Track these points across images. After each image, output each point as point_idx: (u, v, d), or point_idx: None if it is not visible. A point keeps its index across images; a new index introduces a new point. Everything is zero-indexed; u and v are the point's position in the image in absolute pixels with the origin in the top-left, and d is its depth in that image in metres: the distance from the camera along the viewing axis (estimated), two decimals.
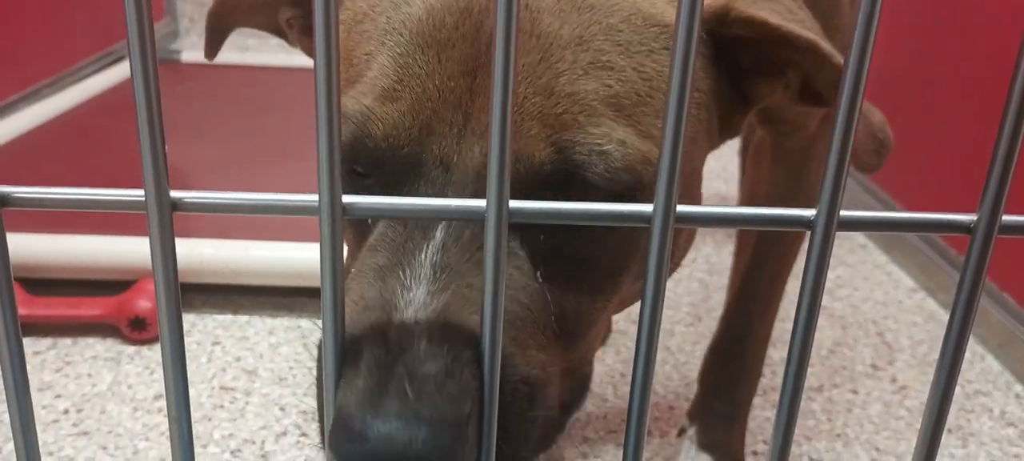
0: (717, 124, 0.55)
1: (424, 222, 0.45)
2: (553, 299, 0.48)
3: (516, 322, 0.46)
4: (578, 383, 0.52)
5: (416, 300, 0.43)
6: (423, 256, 0.44)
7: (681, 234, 0.54)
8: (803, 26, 0.51)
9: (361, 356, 0.39)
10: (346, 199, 0.31)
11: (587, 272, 0.50)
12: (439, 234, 0.45)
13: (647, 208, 0.32)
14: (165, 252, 0.31)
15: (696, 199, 0.56)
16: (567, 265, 0.49)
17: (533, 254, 0.47)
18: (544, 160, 0.46)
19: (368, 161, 0.48)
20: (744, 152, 1.40)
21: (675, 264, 0.56)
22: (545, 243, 0.48)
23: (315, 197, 0.31)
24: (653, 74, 0.49)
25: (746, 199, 0.92)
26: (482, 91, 0.46)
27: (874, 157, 0.53)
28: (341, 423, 0.37)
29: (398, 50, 0.48)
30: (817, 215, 0.32)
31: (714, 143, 0.57)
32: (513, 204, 0.31)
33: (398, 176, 0.47)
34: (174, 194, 0.31)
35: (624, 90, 0.47)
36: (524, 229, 0.47)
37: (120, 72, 2.00)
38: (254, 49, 2.62)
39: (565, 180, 0.46)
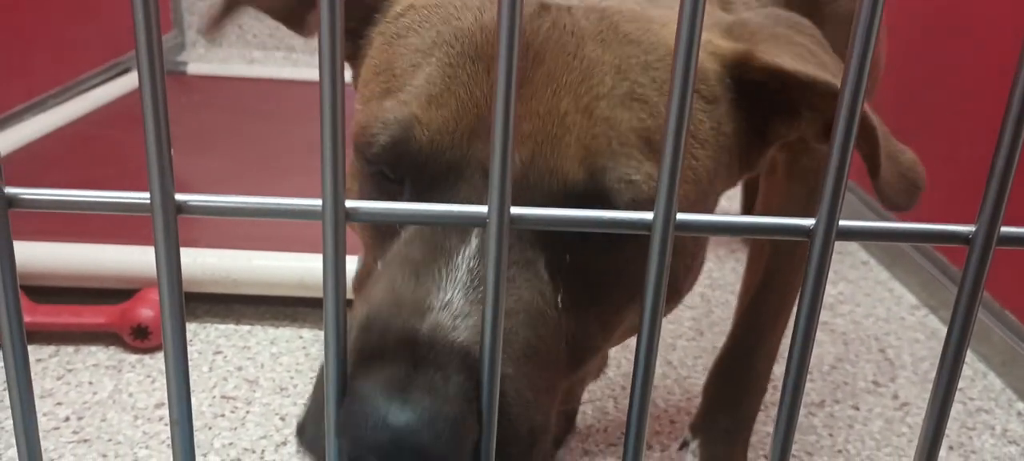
0: (737, 163, 0.57)
1: (460, 226, 0.45)
2: (567, 325, 0.48)
3: (533, 356, 0.46)
4: (566, 419, 0.52)
5: (452, 304, 0.43)
6: (459, 259, 0.45)
7: (685, 257, 0.54)
8: (824, 68, 0.52)
9: (392, 346, 0.41)
10: (349, 204, 0.31)
11: (607, 296, 0.50)
12: (474, 240, 0.45)
13: (647, 216, 0.32)
14: (169, 254, 0.31)
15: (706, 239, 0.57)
16: (590, 289, 0.49)
17: (555, 276, 0.48)
18: (577, 181, 0.47)
19: (410, 165, 0.48)
20: None
21: (677, 294, 0.56)
22: (570, 263, 0.48)
23: (318, 202, 0.31)
24: None
25: (761, 213, 0.92)
26: (526, 101, 0.47)
27: (904, 196, 0.53)
28: (361, 407, 0.37)
29: (447, 60, 0.49)
30: (816, 224, 0.32)
31: (733, 180, 0.58)
32: (515, 210, 0.32)
33: (437, 181, 0.48)
34: (179, 197, 0.31)
35: (655, 125, 0.49)
36: (551, 249, 0.48)
37: (126, 84, 2.01)
38: (260, 61, 2.63)
39: (592, 203, 0.47)
